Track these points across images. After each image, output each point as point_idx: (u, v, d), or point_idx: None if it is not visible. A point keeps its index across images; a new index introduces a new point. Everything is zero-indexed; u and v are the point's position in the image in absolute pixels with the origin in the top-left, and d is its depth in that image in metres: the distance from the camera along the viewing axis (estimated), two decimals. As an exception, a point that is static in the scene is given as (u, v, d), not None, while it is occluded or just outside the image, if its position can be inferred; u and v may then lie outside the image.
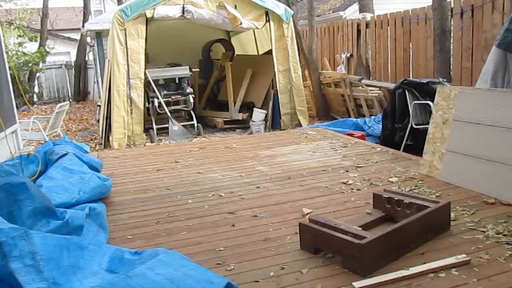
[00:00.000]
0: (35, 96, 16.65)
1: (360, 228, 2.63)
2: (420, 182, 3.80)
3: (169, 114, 7.90)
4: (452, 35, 6.86)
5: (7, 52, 9.38)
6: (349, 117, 8.47)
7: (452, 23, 6.90)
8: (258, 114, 8.47)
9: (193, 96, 8.42)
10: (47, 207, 2.68)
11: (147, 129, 7.85)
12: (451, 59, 6.90)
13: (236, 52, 10.31)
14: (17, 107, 6.32)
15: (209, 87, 9.97)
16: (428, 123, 4.31)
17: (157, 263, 1.99)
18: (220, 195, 3.78)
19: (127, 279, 1.83)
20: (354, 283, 2.23)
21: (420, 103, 5.69)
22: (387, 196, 3.01)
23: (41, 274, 1.88)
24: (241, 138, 6.60)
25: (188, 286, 1.86)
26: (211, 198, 3.73)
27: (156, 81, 8.02)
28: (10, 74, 5.59)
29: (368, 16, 9.64)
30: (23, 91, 12.46)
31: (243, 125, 8.76)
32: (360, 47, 9.56)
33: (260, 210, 3.37)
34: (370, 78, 9.19)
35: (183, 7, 7.48)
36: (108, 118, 7.51)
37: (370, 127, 6.92)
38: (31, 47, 15.94)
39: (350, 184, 3.87)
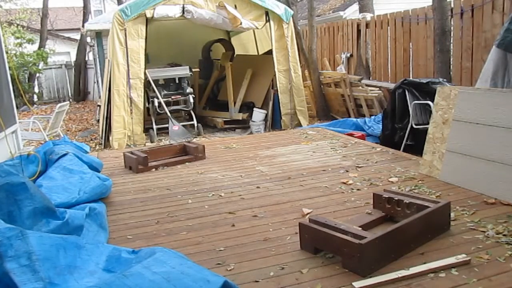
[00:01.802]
0: (35, 96, 16.66)
1: (360, 228, 2.63)
2: (420, 182, 3.80)
3: (169, 114, 7.90)
4: (452, 35, 6.87)
5: (7, 52, 9.38)
6: (349, 117, 8.47)
7: (452, 23, 6.90)
8: (258, 114, 8.47)
9: (193, 96, 8.42)
10: (47, 207, 2.68)
11: (147, 129, 7.84)
12: (451, 59, 6.91)
13: (236, 52, 10.31)
14: (17, 107, 6.32)
15: (209, 87, 9.96)
16: (428, 123, 4.32)
17: (154, 262, 1.98)
18: (220, 195, 3.78)
19: (123, 279, 1.82)
20: (354, 283, 2.23)
21: (420, 103, 5.69)
22: (387, 196, 3.01)
23: (37, 274, 1.87)
24: (241, 138, 6.60)
25: (185, 285, 1.85)
26: (211, 198, 3.73)
27: (156, 81, 8.02)
28: (10, 74, 5.59)
29: (368, 16, 9.64)
30: (23, 91, 12.47)
31: (243, 125, 8.76)
32: (360, 47, 9.57)
33: (260, 210, 3.37)
34: (370, 78, 9.20)
35: (183, 7, 7.48)
36: (108, 118, 7.51)
37: (370, 127, 6.92)
38: (32, 47, 15.95)
39: (350, 184, 3.87)
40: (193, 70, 8.58)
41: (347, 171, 4.30)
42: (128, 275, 1.86)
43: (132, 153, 4.92)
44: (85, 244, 2.19)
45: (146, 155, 4.80)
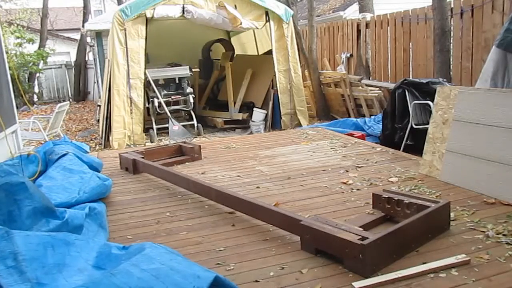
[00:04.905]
0: (35, 96, 16.65)
1: (361, 229, 2.63)
2: (420, 182, 3.80)
3: (169, 114, 7.90)
4: (452, 35, 6.87)
5: (7, 52, 9.38)
6: (349, 117, 8.47)
7: (452, 23, 6.91)
8: (258, 114, 8.48)
9: (193, 96, 8.42)
10: (46, 207, 2.68)
11: (147, 129, 7.85)
12: (451, 59, 6.91)
13: (236, 52, 10.32)
14: (17, 107, 6.32)
15: (209, 87, 9.97)
16: (428, 123, 4.31)
17: (143, 258, 1.95)
18: (220, 195, 3.77)
19: (111, 277, 1.79)
20: (354, 283, 2.23)
21: (420, 103, 5.69)
22: (386, 196, 3.01)
23: (24, 275, 1.84)
24: (241, 138, 6.60)
25: (174, 281, 1.82)
26: (211, 198, 3.72)
27: (156, 81, 8.02)
28: (10, 74, 5.59)
29: (368, 16, 9.64)
30: (23, 91, 12.47)
31: (243, 125, 8.76)
32: (360, 47, 9.57)
33: (260, 210, 3.36)
34: (370, 78, 9.20)
35: (183, 7, 7.49)
36: (108, 118, 7.52)
37: (370, 127, 6.92)
38: (32, 47, 15.95)
39: (350, 184, 3.87)
40: (193, 70, 8.58)
41: (347, 171, 4.29)
42: (116, 273, 1.82)
43: (128, 153, 4.88)
44: (75, 240, 2.14)
45: (142, 156, 4.78)
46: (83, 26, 14.14)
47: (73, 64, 17.84)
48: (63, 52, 19.64)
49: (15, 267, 1.86)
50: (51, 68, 17.89)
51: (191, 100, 8.26)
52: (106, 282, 1.77)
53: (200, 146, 5.23)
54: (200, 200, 3.66)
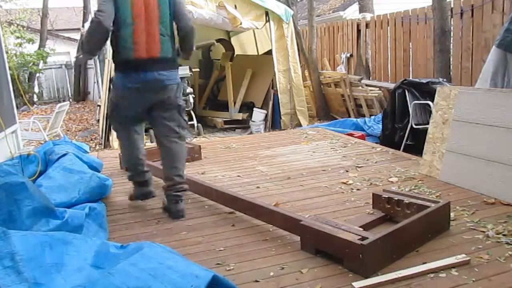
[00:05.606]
0: (35, 96, 16.65)
1: (361, 229, 2.63)
2: (420, 182, 3.80)
3: (169, 114, 7.88)
4: (452, 35, 6.87)
5: (7, 52, 9.38)
6: (349, 117, 8.48)
7: (452, 23, 6.91)
8: (258, 114, 8.48)
9: (193, 96, 8.42)
10: (46, 207, 2.68)
11: (146, 129, 7.83)
12: (451, 59, 6.91)
13: (236, 52, 10.31)
14: (17, 107, 6.32)
15: (209, 87, 9.97)
16: (428, 123, 4.32)
17: (141, 257, 1.94)
18: (220, 195, 3.77)
19: (109, 277, 1.79)
20: (354, 283, 2.23)
21: (420, 103, 5.69)
22: (386, 196, 3.01)
23: (21, 276, 1.83)
24: (241, 138, 6.60)
25: (172, 281, 1.81)
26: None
27: (156, 81, 8.00)
28: (10, 74, 5.59)
29: (368, 16, 9.65)
30: (23, 91, 12.47)
31: (243, 125, 8.76)
32: (360, 47, 9.57)
33: (260, 210, 3.36)
34: (370, 78, 9.20)
35: (183, 7, 7.48)
36: (108, 118, 7.50)
37: (370, 127, 6.92)
38: (32, 47, 15.96)
39: (350, 184, 3.87)
40: (193, 70, 8.58)
41: (347, 171, 4.29)
42: (114, 272, 1.82)
43: None
44: (73, 239, 2.13)
45: None
46: (83, 26, 14.14)
47: (73, 64, 17.84)
48: (63, 52, 19.62)
49: (12, 267, 1.84)
50: (51, 68, 17.89)
51: (191, 100, 8.25)
52: (104, 281, 1.77)
53: (200, 146, 5.23)
54: (200, 200, 3.66)
